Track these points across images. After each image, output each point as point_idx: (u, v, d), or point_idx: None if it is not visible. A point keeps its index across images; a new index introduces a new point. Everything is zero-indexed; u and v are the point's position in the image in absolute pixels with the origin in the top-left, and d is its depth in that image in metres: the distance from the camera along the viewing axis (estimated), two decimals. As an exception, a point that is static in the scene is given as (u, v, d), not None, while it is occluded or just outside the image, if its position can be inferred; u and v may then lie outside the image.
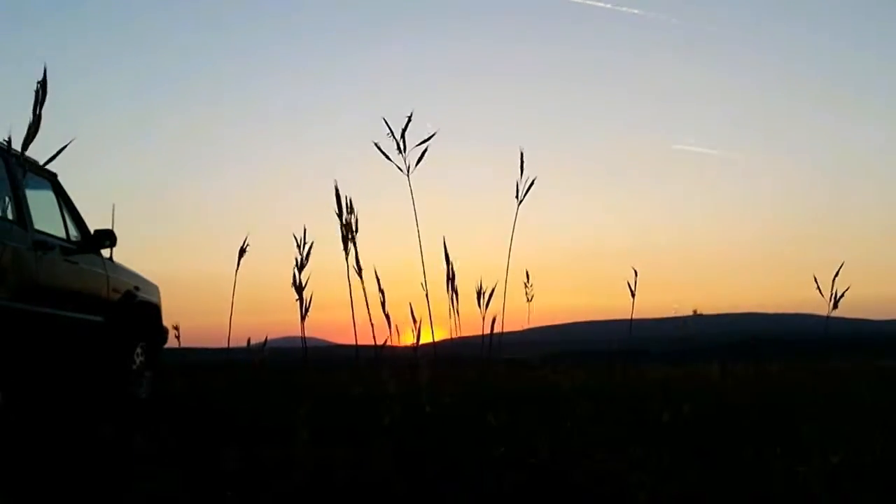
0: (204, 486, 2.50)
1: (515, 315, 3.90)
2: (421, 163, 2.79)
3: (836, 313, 2.85)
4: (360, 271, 2.80)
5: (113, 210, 5.23)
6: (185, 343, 5.88)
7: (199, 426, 3.87)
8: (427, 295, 2.90)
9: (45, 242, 4.34)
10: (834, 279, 2.85)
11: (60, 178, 4.99)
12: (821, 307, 3.00)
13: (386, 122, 2.74)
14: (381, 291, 2.79)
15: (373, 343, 2.97)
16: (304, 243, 2.88)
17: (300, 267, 2.86)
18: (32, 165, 4.66)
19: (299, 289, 2.86)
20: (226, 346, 5.15)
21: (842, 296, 2.83)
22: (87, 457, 3.11)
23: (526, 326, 4.02)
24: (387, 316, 2.82)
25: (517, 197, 2.99)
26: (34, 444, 3.48)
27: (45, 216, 4.60)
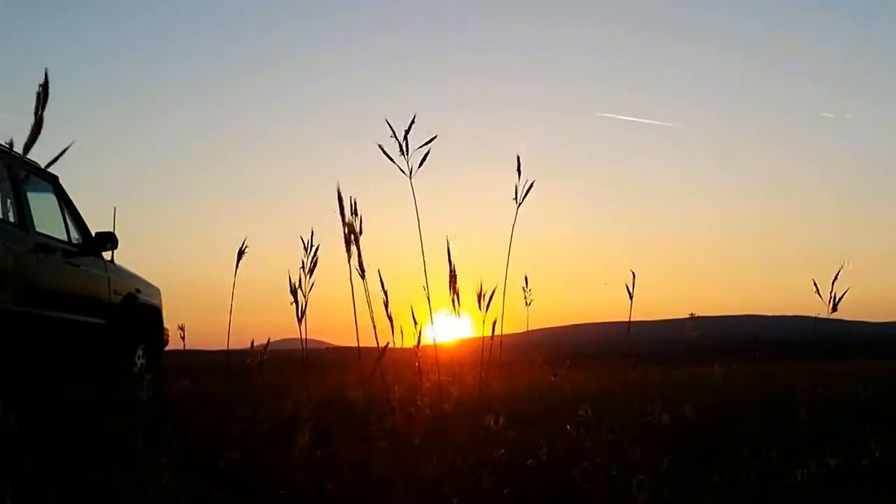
0: (205, 488, 2.51)
1: (517, 317, 3.90)
2: (424, 165, 2.77)
3: (834, 315, 2.85)
4: (363, 273, 2.77)
5: (114, 213, 5.25)
6: (189, 345, 5.88)
7: (199, 429, 3.87)
8: (429, 297, 2.87)
9: (46, 245, 4.36)
10: (833, 282, 2.83)
11: (62, 181, 5.01)
12: (819, 309, 3.00)
13: (389, 125, 2.71)
14: (385, 293, 2.76)
15: (374, 345, 2.96)
16: (311, 245, 2.80)
17: (310, 270, 2.81)
18: (34, 168, 4.68)
19: (293, 292, 2.83)
20: (226, 348, 5.16)
21: (840, 298, 2.81)
22: (87, 458, 3.12)
23: (526, 329, 4.02)
24: (390, 318, 2.80)
25: (515, 199, 2.97)
26: (35, 446, 3.48)
27: (47, 219, 4.62)
